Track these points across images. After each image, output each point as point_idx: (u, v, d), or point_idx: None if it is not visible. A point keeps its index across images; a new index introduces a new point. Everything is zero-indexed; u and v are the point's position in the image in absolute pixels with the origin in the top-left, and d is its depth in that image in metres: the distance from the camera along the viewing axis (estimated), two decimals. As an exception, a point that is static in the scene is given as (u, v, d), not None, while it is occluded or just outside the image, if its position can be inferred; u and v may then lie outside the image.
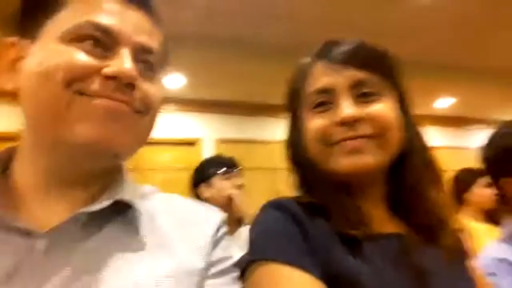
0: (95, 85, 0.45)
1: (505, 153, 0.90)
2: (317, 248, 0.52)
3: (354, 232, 0.54)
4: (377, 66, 0.59)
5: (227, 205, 1.44)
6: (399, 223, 0.61)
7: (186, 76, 3.91)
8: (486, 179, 1.93)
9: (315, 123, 0.59)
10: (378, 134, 0.56)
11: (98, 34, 0.46)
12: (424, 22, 3.51)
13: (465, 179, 2.12)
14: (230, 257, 0.54)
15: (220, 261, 0.53)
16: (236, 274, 0.54)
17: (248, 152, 4.74)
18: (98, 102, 0.44)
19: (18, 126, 0.51)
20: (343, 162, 0.56)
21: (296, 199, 0.60)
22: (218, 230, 0.56)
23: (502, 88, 5.10)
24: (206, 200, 1.47)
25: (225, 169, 1.57)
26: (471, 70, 4.62)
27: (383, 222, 0.60)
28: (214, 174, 1.55)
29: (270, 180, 4.88)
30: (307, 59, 0.65)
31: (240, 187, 1.55)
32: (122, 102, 0.46)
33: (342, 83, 0.58)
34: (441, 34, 3.76)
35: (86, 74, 0.44)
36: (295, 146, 0.64)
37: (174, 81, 3.87)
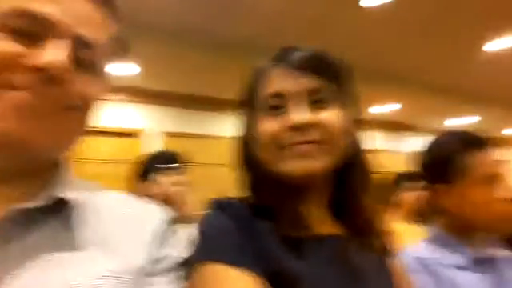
0: (17, 76, 0.41)
1: (440, 161, 0.96)
2: (259, 248, 0.53)
3: (294, 233, 0.56)
4: (331, 76, 0.62)
5: (168, 202, 1.40)
6: (338, 225, 0.65)
7: (141, 65, 3.78)
8: (416, 183, 2.08)
9: (268, 126, 0.60)
10: (327, 140, 0.59)
11: (27, 22, 0.42)
12: (373, 29, 3.69)
13: (394, 182, 2.28)
14: (175, 255, 0.54)
15: (164, 258, 0.52)
16: (180, 272, 0.53)
17: (198, 147, 4.67)
18: (11, 95, 0.41)
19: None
20: (293, 166, 0.58)
21: (241, 199, 0.61)
22: (162, 227, 0.55)
23: (441, 100, 5.51)
24: (145, 196, 1.41)
25: (166, 164, 1.52)
26: (414, 79, 4.95)
27: (324, 224, 0.63)
28: (156, 169, 1.51)
29: (220, 177, 4.85)
30: (265, 62, 0.66)
31: (183, 184, 1.51)
32: (44, 96, 0.42)
33: (296, 89, 0.60)
34: (389, 43, 3.98)
35: (7, 64, 0.41)
36: (246, 147, 0.65)
37: (127, 69, 3.73)
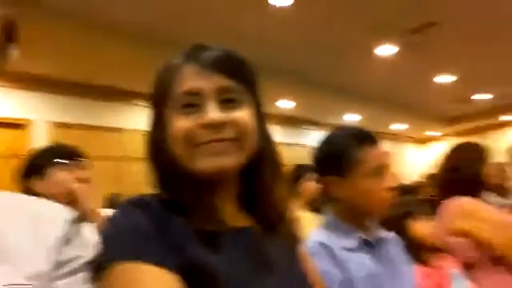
0: None
1: (333, 155, 1.07)
2: (174, 244, 0.53)
3: (209, 227, 0.58)
4: (241, 75, 0.65)
5: (68, 201, 1.29)
6: (249, 218, 0.68)
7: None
8: (312, 174, 2.27)
9: (181, 124, 0.60)
10: (239, 137, 0.62)
11: None
12: (274, 29, 3.86)
13: (296, 173, 2.45)
14: (81, 256, 0.53)
15: (70, 261, 0.51)
16: (87, 274, 0.52)
17: (91, 139, 4.33)
18: None
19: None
20: (207, 163, 0.60)
21: (154, 196, 0.61)
22: (65, 228, 0.53)
23: (335, 97, 6.00)
24: (39, 194, 1.28)
25: (67, 159, 1.40)
26: (311, 78, 5.31)
27: (236, 217, 0.66)
28: (54, 164, 1.37)
29: (116, 171, 4.58)
30: (176, 59, 0.66)
31: (85, 181, 1.40)
32: None
33: (209, 88, 0.61)
34: (288, 42, 4.20)
35: None
36: (157, 144, 0.64)
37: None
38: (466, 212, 1.61)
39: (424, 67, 5.22)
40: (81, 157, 1.46)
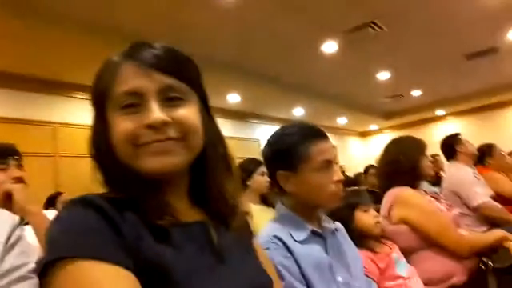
0: None
1: (283, 151, 1.09)
2: (127, 241, 0.52)
3: (161, 222, 0.57)
4: (184, 73, 0.64)
5: (3, 202, 1.18)
6: (201, 212, 0.69)
7: None
8: (263, 168, 2.30)
9: (124, 125, 0.59)
10: (184, 136, 0.61)
11: None
12: (226, 24, 3.84)
13: (247, 167, 2.46)
14: (27, 262, 0.49)
15: (15, 269, 0.47)
16: (35, 279, 0.49)
17: (22, 135, 4.01)
18: None
19: None
20: (151, 163, 0.59)
21: (103, 195, 0.59)
22: (9, 235, 0.50)
23: (278, 92, 6.10)
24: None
25: (1, 157, 1.28)
26: (257, 73, 5.36)
27: (188, 213, 0.66)
28: None
29: (53, 169, 4.30)
30: (115, 57, 0.64)
31: (19, 180, 1.29)
32: None
33: (150, 87, 0.60)
34: (237, 38, 4.20)
35: None
36: (101, 145, 0.62)
37: None
38: (403, 200, 1.73)
39: (364, 64, 5.49)
40: (15, 155, 1.34)
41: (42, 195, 3.06)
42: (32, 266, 0.49)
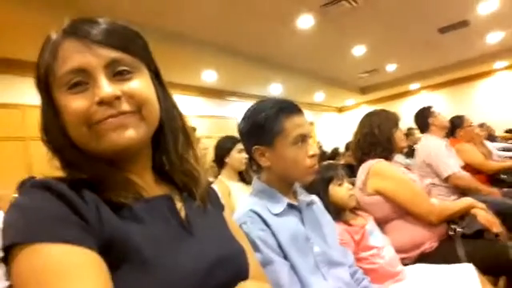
0: None
1: (258, 126, 1.09)
2: (88, 220, 0.51)
3: (123, 200, 0.57)
4: (130, 46, 0.62)
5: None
6: (166, 185, 0.69)
7: None
8: (240, 145, 2.30)
9: (73, 104, 0.57)
10: (138, 109, 0.60)
11: None
12: (199, 1, 3.71)
13: (225, 145, 2.46)
14: None
15: None
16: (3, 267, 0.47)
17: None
18: None
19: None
20: (108, 140, 0.58)
21: (61, 178, 0.57)
22: None
23: (255, 68, 6.04)
24: None
25: None
26: (234, 49, 5.27)
27: (152, 188, 0.66)
28: None
29: (23, 153, 4.16)
30: (54, 35, 0.60)
31: None
32: None
33: (97, 62, 0.58)
34: (212, 14, 4.08)
35: None
36: (52, 129, 0.60)
37: None
38: (378, 172, 1.77)
39: (340, 39, 5.49)
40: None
41: (14, 179, 2.97)
42: None
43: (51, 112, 0.59)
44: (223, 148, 2.44)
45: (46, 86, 0.60)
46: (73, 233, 0.49)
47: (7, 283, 0.46)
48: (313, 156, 1.08)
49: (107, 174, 0.59)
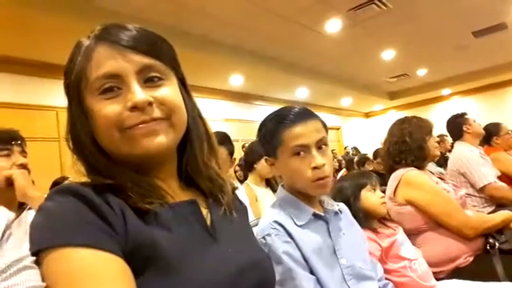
0: None
1: (264, 137, 1.09)
2: (114, 227, 0.51)
3: (148, 205, 0.57)
4: (161, 52, 0.63)
5: (5, 188, 1.18)
6: (191, 191, 0.69)
7: None
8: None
9: (106, 109, 0.58)
10: (168, 115, 0.61)
11: None
12: (226, 6, 3.75)
13: (257, 150, 2.44)
14: (26, 255, 0.48)
15: (13, 264, 0.46)
16: (34, 269, 0.48)
17: (26, 120, 4.00)
18: None
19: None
20: (141, 145, 0.58)
21: (87, 183, 0.58)
22: (3, 233, 0.49)
23: (282, 73, 6.02)
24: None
25: (1, 144, 1.27)
26: (260, 54, 5.27)
27: (178, 193, 0.66)
28: None
29: (54, 153, 4.30)
30: (86, 40, 0.61)
31: (22, 166, 1.28)
32: None
33: (129, 68, 0.58)
34: (238, 18, 4.10)
35: None
36: (80, 134, 0.61)
37: None
38: (409, 182, 1.71)
39: (368, 43, 5.39)
40: (17, 140, 1.33)
41: (48, 180, 3.07)
42: (27, 258, 0.48)
43: (80, 116, 0.60)
44: (255, 153, 2.41)
45: (76, 90, 0.60)
46: (98, 238, 0.49)
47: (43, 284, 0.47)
48: (316, 168, 1.00)
49: (133, 179, 0.59)
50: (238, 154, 5.20)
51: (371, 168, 4.72)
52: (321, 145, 1.03)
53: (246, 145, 2.92)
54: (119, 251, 0.49)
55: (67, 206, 0.51)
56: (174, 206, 0.61)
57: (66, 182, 0.58)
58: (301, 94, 7.54)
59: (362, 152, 7.14)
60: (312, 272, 0.95)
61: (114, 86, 0.58)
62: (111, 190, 0.56)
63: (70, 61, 0.62)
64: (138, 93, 0.57)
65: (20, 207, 1.25)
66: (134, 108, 0.57)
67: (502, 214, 1.69)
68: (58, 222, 0.50)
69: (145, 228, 0.54)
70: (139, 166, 0.61)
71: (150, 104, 0.58)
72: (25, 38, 3.70)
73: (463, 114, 2.93)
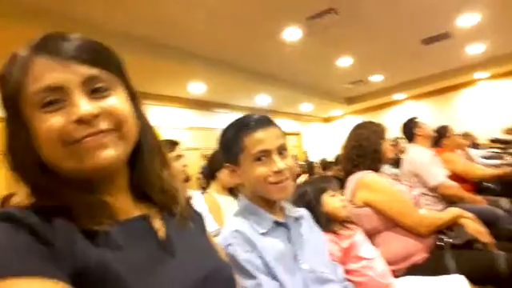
0: None
1: (225, 145, 1.11)
2: (60, 251, 0.48)
3: (97, 227, 0.54)
4: (106, 62, 0.60)
5: None
6: (144, 205, 0.66)
7: None
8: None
9: (49, 124, 0.54)
10: (117, 126, 0.58)
11: None
12: (186, 13, 3.72)
13: (220, 159, 2.41)
14: None
15: None
16: None
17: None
18: None
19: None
20: (88, 160, 0.55)
21: (29, 205, 0.53)
22: None
23: (242, 80, 6.04)
24: None
25: None
26: (220, 60, 5.27)
27: (129, 208, 0.63)
28: None
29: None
30: (22, 52, 0.57)
31: None
32: None
33: (73, 79, 0.55)
34: (198, 25, 4.09)
35: None
36: (19, 151, 0.56)
37: None
38: (366, 184, 1.78)
39: (326, 51, 5.54)
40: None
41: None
42: None
43: (19, 132, 0.56)
44: (218, 161, 2.38)
45: (13, 105, 0.56)
46: (36, 264, 0.45)
47: None
48: (277, 172, 1.03)
49: (80, 199, 0.55)
50: (200, 162, 5.15)
51: (331, 173, 4.84)
52: (281, 150, 1.06)
53: (208, 153, 2.90)
54: (62, 275, 0.46)
55: (7, 234, 0.47)
56: (125, 224, 0.59)
57: (13, 199, 0.54)
58: (261, 100, 7.60)
59: (322, 157, 7.32)
60: (275, 278, 0.96)
61: (56, 99, 0.54)
62: (57, 211, 0.52)
63: (5, 73, 0.57)
64: (83, 105, 0.54)
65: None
66: (80, 121, 0.54)
67: (452, 212, 1.80)
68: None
69: (94, 250, 0.51)
70: (87, 181, 0.58)
71: (97, 116, 0.55)
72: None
73: (414, 119, 3.10)
